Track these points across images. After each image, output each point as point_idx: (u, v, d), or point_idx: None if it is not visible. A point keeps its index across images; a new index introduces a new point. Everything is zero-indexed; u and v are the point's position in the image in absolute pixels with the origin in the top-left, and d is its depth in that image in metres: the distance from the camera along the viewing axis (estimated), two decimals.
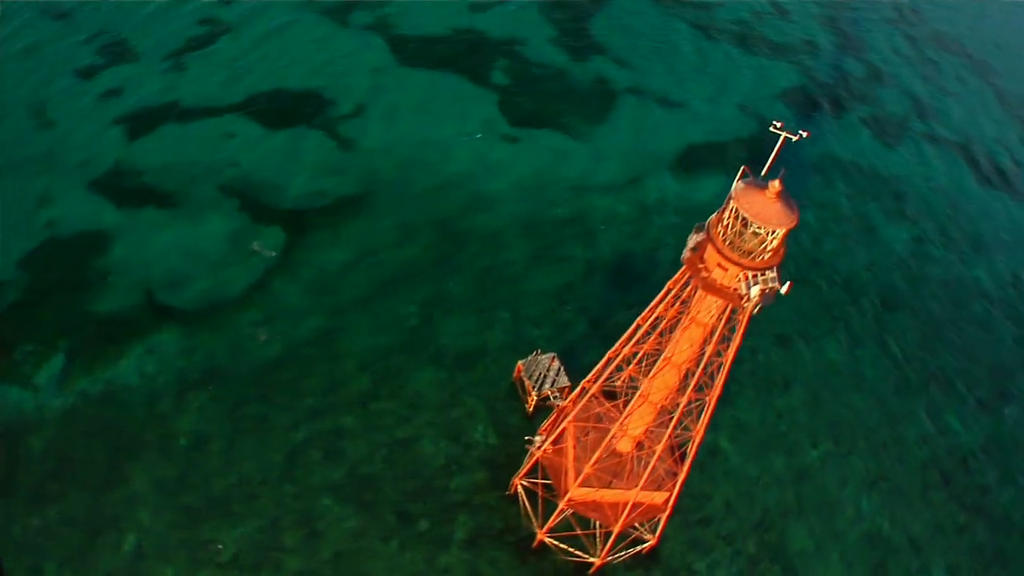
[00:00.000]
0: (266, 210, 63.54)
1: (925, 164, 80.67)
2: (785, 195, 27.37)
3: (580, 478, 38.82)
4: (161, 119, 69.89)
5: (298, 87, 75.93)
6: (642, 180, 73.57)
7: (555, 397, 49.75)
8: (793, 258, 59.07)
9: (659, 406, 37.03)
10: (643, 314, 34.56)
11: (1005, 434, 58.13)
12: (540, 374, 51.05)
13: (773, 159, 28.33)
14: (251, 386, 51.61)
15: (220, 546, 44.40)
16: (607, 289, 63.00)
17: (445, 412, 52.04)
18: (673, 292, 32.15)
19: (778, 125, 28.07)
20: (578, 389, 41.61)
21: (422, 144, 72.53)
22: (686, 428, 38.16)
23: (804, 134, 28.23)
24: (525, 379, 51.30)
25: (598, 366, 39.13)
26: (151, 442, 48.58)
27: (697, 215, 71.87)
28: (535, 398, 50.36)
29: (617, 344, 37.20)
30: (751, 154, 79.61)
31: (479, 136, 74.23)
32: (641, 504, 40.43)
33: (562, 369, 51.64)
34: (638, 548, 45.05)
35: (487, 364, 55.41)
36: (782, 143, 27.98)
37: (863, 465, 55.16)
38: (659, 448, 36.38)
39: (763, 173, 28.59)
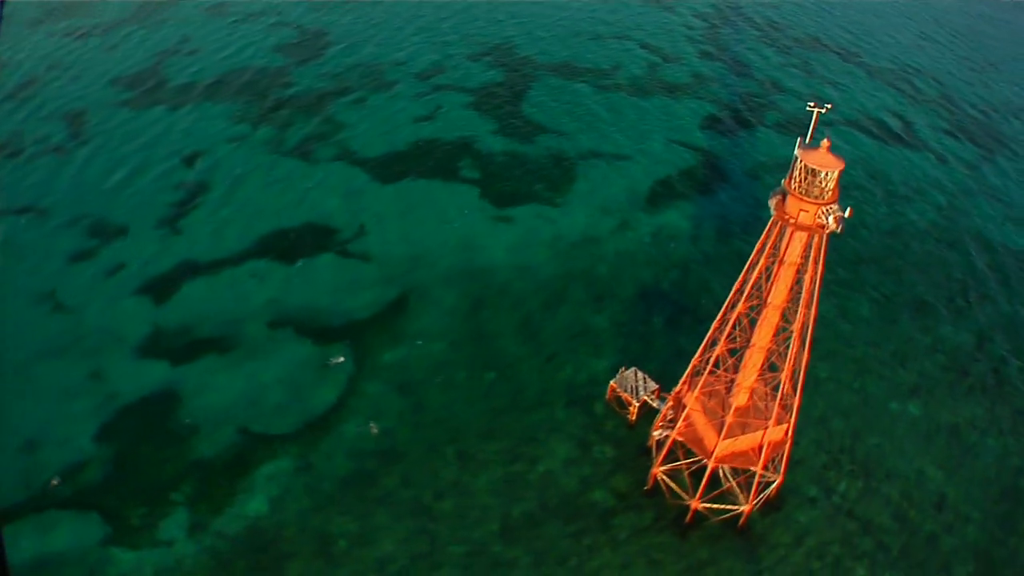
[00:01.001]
0: (317, 331, 70.75)
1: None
2: (832, 150, 40.93)
3: (725, 430, 48.98)
4: (178, 279, 76.05)
5: (291, 223, 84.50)
6: (623, 223, 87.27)
7: (652, 399, 59.80)
8: None
9: (767, 350, 48.44)
10: (739, 278, 46.36)
11: (985, 325, 74.15)
12: (631, 386, 61.14)
13: (813, 129, 41.74)
14: (383, 475, 57.78)
15: None
16: (639, 313, 74.69)
17: (559, 444, 60.44)
18: (767, 249, 44.14)
19: (811, 105, 41.87)
20: (689, 370, 52.43)
21: (421, 242, 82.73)
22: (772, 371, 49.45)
23: (829, 106, 42.21)
24: (621, 393, 61.12)
25: (704, 340, 50.33)
26: (310, 553, 53.36)
27: (679, 238, 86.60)
28: (636, 406, 60.16)
29: (720, 314, 48.58)
30: (694, 179, 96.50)
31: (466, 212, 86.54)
32: (771, 440, 50.90)
33: (646, 377, 62.05)
34: (768, 491, 54.92)
35: (573, 397, 64.76)
36: (817, 116, 41.59)
37: (895, 384, 68.53)
38: (783, 376, 47.59)
39: (808, 140, 42.00)
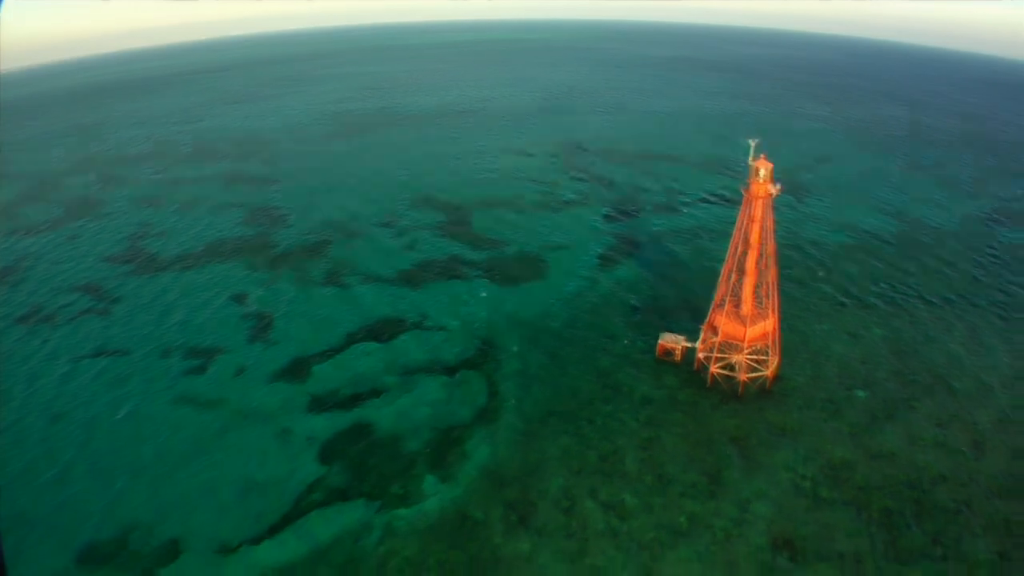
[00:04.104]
0: (439, 371, 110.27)
1: (690, 215, 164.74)
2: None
3: (750, 320, 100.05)
4: (300, 368, 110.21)
5: (363, 323, 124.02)
6: (593, 280, 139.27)
7: (687, 343, 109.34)
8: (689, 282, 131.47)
9: (754, 274, 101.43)
10: (733, 236, 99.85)
11: (838, 281, 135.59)
12: (672, 340, 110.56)
13: (752, 154, 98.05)
14: (546, 423, 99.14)
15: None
16: (636, 317, 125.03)
17: (641, 382, 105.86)
18: (746, 213, 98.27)
19: (751, 140, 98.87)
20: (714, 303, 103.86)
21: (468, 313, 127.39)
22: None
23: (758, 140, 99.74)
24: (668, 345, 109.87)
25: (721, 277, 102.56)
26: (536, 470, 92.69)
27: (632, 280, 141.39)
28: (679, 349, 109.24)
29: (726, 261, 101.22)
30: (619, 250, 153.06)
31: (484, 295, 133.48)
32: (769, 329, 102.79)
33: (676, 335, 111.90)
34: (775, 365, 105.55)
35: (635, 360, 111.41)
36: (755, 147, 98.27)
37: (809, 318, 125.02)
38: (768, 283, 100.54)
39: (751, 159, 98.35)
